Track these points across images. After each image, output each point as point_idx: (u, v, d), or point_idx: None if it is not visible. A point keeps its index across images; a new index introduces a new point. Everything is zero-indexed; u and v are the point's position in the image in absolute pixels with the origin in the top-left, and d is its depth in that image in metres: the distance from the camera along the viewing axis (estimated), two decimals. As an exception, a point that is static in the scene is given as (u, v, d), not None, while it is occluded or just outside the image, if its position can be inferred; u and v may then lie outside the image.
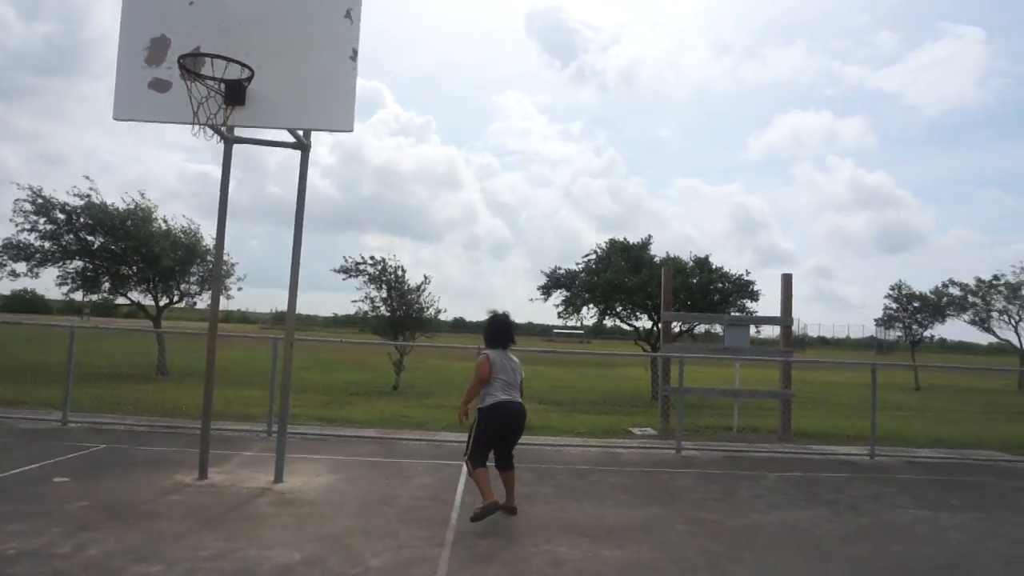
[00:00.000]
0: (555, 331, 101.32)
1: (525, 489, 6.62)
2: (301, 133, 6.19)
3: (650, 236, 19.43)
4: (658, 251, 19.35)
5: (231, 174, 6.34)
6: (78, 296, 18.27)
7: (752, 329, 12.94)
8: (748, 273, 18.78)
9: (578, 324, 20.72)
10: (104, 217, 16.76)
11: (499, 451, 5.66)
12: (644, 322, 19.37)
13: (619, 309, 18.81)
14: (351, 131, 5.61)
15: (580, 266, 19.14)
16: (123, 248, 16.80)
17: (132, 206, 17.48)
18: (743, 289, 18.47)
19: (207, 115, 5.33)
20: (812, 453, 9.63)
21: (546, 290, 19.15)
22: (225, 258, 19.27)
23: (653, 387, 15.25)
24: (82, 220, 16.80)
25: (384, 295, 17.37)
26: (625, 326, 20.13)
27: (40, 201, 16.49)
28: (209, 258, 18.53)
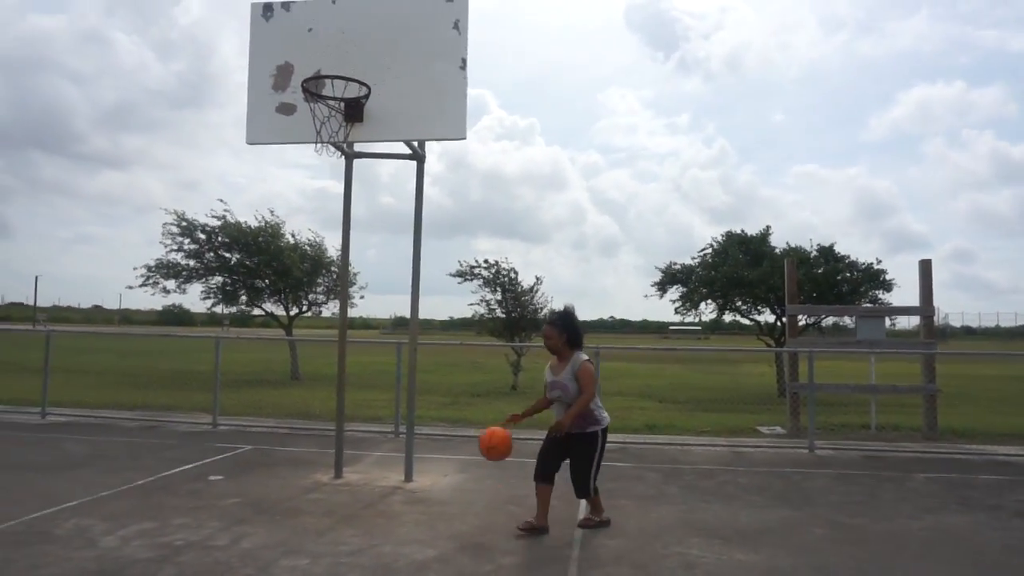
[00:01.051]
0: (671, 328, 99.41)
1: (650, 489, 6.53)
2: (416, 144, 6.40)
3: (768, 227, 18.61)
4: (778, 242, 18.49)
5: (352, 188, 6.65)
6: (219, 309, 19.74)
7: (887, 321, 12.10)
8: (879, 262, 17.60)
9: (696, 320, 20.20)
10: (239, 235, 18.03)
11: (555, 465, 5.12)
12: (766, 316, 18.59)
13: (739, 303, 18.13)
14: (464, 138, 5.75)
15: (696, 260, 18.62)
16: (256, 263, 18.00)
17: (263, 223, 18.71)
18: (874, 278, 17.30)
19: (329, 133, 5.63)
20: (964, 453, 8.89)
21: (661, 286, 18.75)
22: (351, 268, 20.28)
23: (779, 384, 14.59)
24: (220, 239, 18.16)
25: (499, 297, 17.65)
26: (745, 321, 19.40)
27: (184, 223, 17.96)
28: (334, 269, 19.53)
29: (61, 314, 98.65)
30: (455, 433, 9.62)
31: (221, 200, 25.09)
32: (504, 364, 17.89)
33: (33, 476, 6.48)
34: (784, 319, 14.20)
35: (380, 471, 7.07)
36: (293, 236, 19.14)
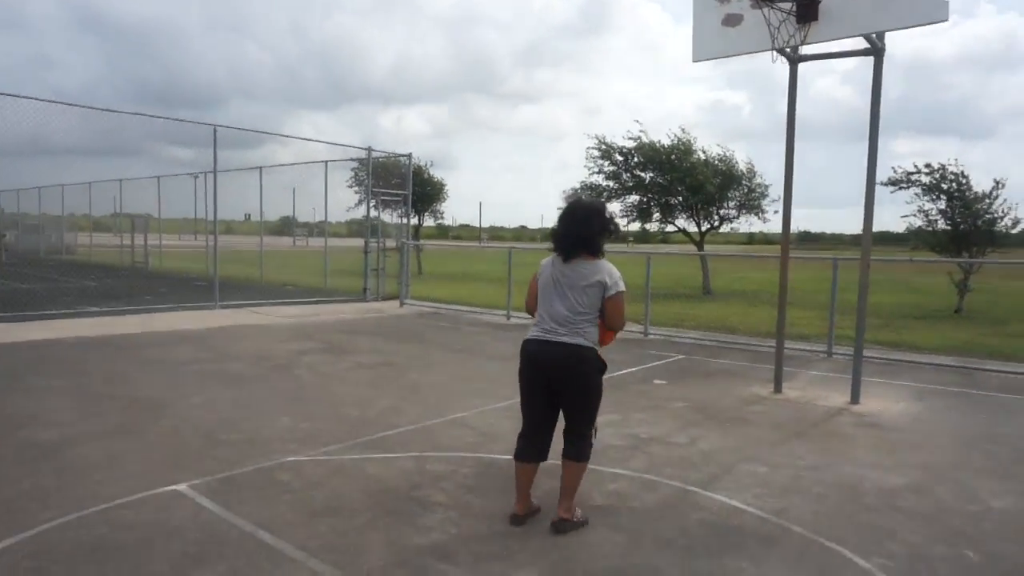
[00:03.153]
0: None
1: None
2: (875, 36, 5.70)
3: None
4: None
5: (796, 93, 6.28)
6: (635, 227, 20.91)
7: None
8: None
9: None
10: (653, 154, 18.66)
11: (547, 420, 3.51)
12: None
13: None
14: (946, 20, 4.91)
15: None
16: (669, 180, 18.48)
17: (675, 141, 19.01)
18: None
19: (783, 38, 5.34)
20: None
21: None
22: (760, 180, 19.57)
23: None
24: (636, 159, 19.04)
25: (942, 206, 15.18)
26: None
27: (604, 147, 19.25)
28: (744, 183, 19.05)
29: (496, 233, 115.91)
30: (897, 357, 8.76)
31: (637, 121, 26.17)
32: (939, 283, 15.45)
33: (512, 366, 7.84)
34: None
35: (819, 390, 6.85)
36: (704, 152, 19.10)
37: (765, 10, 5.37)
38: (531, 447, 3.51)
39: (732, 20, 5.84)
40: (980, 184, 14.90)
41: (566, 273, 3.41)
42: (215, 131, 12.37)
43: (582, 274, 3.37)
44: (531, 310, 3.62)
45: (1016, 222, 14.93)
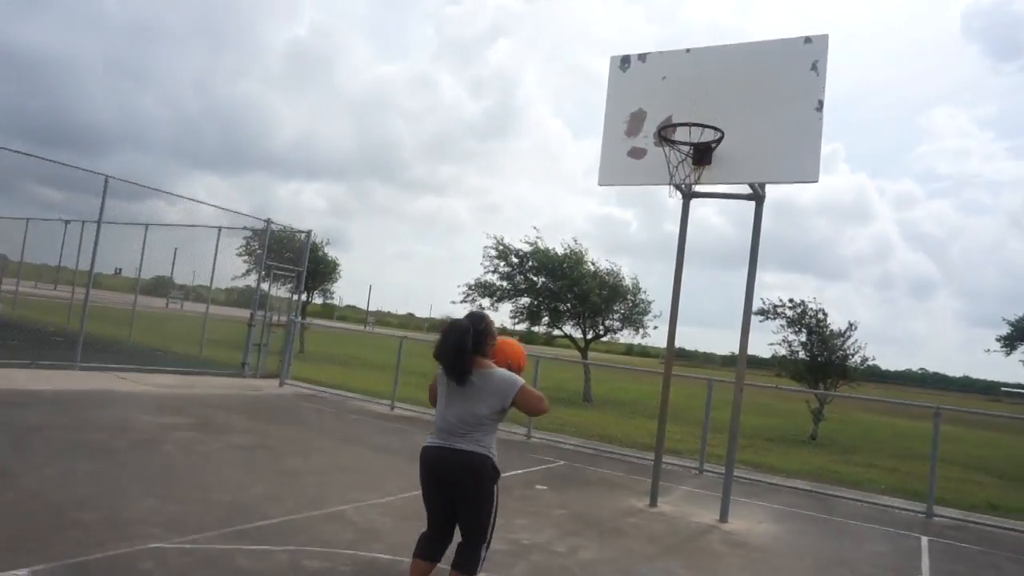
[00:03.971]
0: (1003, 388, 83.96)
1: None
2: (757, 185, 6.41)
3: None
4: None
5: (687, 226, 6.87)
6: (523, 327, 21.39)
7: None
8: None
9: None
10: (547, 260, 19.41)
11: (448, 523, 3.56)
12: None
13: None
14: (816, 181, 5.64)
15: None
16: (559, 287, 19.21)
17: (567, 251, 19.91)
18: None
19: (680, 177, 5.90)
20: None
21: (1010, 342, 16.11)
22: (643, 296, 20.68)
23: None
24: (530, 263, 19.72)
25: (803, 339, 16.61)
26: None
27: (501, 247, 19.86)
28: (629, 297, 20.08)
29: (382, 318, 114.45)
30: (760, 478, 9.30)
31: (534, 227, 27.22)
32: (797, 409, 16.67)
33: (396, 460, 7.69)
34: None
35: (691, 506, 7.13)
36: (593, 264, 20.07)
37: (666, 149, 5.94)
38: (430, 546, 3.51)
39: (637, 153, 6.41)
40: (835, 322, 16.49)
41: (462, 387, 3.43)
42: (106, 181, 11.82)
43: (477, 387, 3.41)
44: (432, 402, 3.67)
45: (864, 360, 16.51)
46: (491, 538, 3.53)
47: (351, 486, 6.10)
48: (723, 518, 6.57)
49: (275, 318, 15.06)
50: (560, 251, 19.88)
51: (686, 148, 5.97)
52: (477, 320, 3.56)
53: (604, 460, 9.48)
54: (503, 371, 3.50)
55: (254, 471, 6.20)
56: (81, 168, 12.15)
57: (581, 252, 20.04)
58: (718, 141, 5.88)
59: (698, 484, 8.47)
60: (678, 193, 6.72)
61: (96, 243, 12.13)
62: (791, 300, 16.58)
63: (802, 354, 16.70)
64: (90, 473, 5.43)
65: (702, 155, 5.96)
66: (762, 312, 16.82)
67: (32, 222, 21.86)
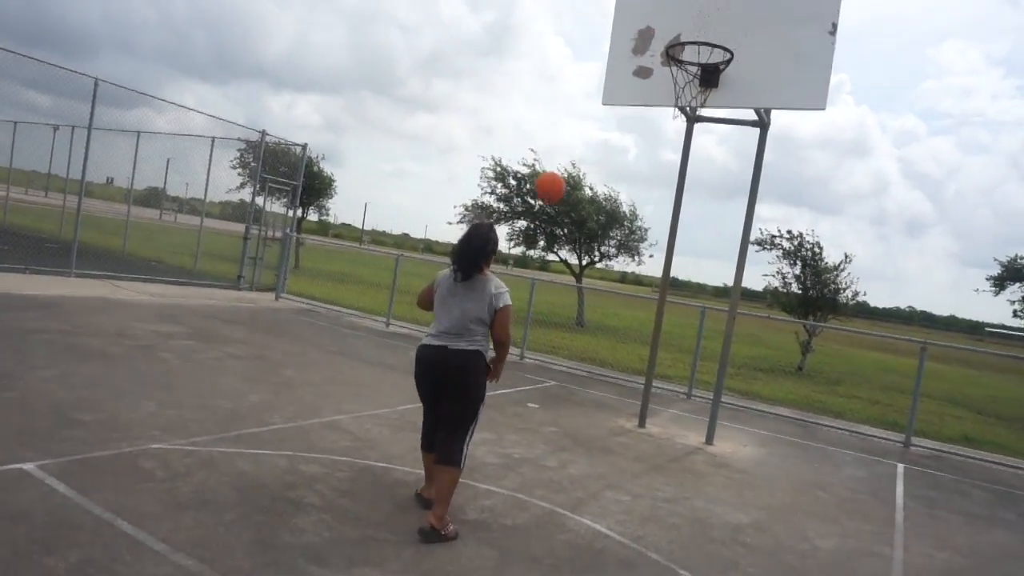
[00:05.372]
0: (987, 329, 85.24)
1: (979, 508, 5.91)
2: (763, 111, 6.29)
3: None
4: None
5: (689, 150, 6.77)
6: (518, 251, 21.38)
7: None
8: None
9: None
10: (545, 183, 19.23)
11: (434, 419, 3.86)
12: None
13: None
14: (823, 108, 5.52)
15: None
16: (556, 211, 19.09)
17: (565, 175, 19.69)
18: None
19: (686, 99, 5.77)
20: None
21: (999, 282, 16.24)
22: (640, 223, 20.62)
23: None
24: (528, 186, 19.53)
25: (797, 272, 16.69)
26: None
27: (499, 169, 19.61)
28: (626, 224, 20.01)
29: (377, 237, 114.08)
30: (745, 405, 9.52)
31: (532, 149, 26.83)
32: (785, 341, 16.94)
33: (391, 375, 7.81)
34: None
35: (678, 428, 7.32)
36: (591, 189, 19.89)
37: (673, 69, 5.78)
38: (431, 439, 3.85)
39: (643, 72, 6.25)
40: (829, 256, 16.54)
41: (462, 287, 3.74)
42: (96, 84, 11.48)
43: (475, 288, 3.73)
44: (421, 305, 4.04)
45: (856, 294, 16.66)
46: (474, 432, 3.78)
47: (347, 397, 6.22)
48: (708, 441, 6.75)
49: (270, 232, 14.98)
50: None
51: (694, 69, 5.81)
52: (492, 230, 3.91)
53: (596, 382, 9.67)
54: (498, 282, 3.80)
55: (251, 381, 6.29)
56: (68, 69, 11.76)
57: (579, 176, 19.83)
58: (727, 63, 5.72)
59: (686, 408, 8.67)
60: (682, 116, 6.59)
61: (87, 150, 11.90)
62: (788, 232, 16.57)
63: (795, 287, 16.83)
64: (89, 376, 5.51)
65: (710, 77, 5.81)
66: (759, 243, 16.83)
67: (20, 126, 21.37)
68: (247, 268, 14.21)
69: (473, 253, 3.74)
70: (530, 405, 7.33)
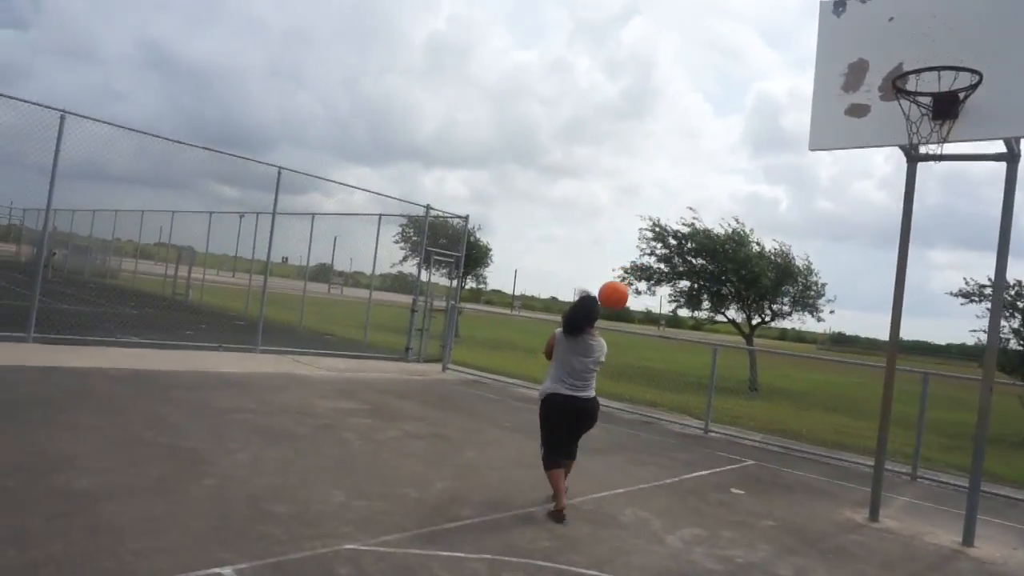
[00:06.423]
0: None
1: None
2: (1014, 140, 5.27)
3: None
4: None
5: (913, 194, 5.83)
6: (683, 312, 20.36)
7: None
8: None
9: None
10: (708, 242, 18.25)
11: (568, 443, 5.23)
12: None
13: None
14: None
15: None
16: (723, 269, 18.00)
17: (729, 231, 18.62)
18: None
19: (923, 135, 4.93)
20: None
21: None
22: (816, 278, 19.00)
23: None
24: (689, 245, 18.65)
25: (1015, 325, 14.43)
26: None
27: (657, 229, 18.92)
28: (800, 279, 18.50)
29: (527, 302, 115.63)
30: (993, 490, 7.94)
31: (691, 208, 25.97)
32: (1007, 405, 14.53)
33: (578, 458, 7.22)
34: None
35: (920, 523, 6.13)
36: (759, 244, 18.65)
37: (902, 103, 4.98)
38: (560, 458, 5.10)
39: (857, 111, 5.47)
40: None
41: (580, 344, 5.06)
42: (279, 173, 12.28)
43: (591, 346, 5.08)
44: (547, 355, 5.29)
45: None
46: None
47: (534, 484, 5.70)
48: (967, 542, 5.54)
49: (434, 303, 15.17)
50: (720, 231, 18.65)
51: (926, 100, 4.97)
52: (596, 301, 5.24)
53: (796, 460, 8.54)
54: (602, 340, 5.17)
55: (433, 464, 5.97)
56: (256, 160, 12.70)
57: (744, 232, 18.69)
58: (973, 87, 4.83)
59: (916, 494, 7.38)
60: (904, 157, 5.71)
61: (272, 232, 12.69)
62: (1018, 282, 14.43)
63: (1013, 343, 14.54)
64: (279, 460, 5.40)
65: (948, 107, 4.94)
66: (965, 295, 14.82)
67: (213, 216, 23.65)
68: (414, 339, 14.39)
69: (584, 318, 5.09)
70: (734, 491, 6.45)
